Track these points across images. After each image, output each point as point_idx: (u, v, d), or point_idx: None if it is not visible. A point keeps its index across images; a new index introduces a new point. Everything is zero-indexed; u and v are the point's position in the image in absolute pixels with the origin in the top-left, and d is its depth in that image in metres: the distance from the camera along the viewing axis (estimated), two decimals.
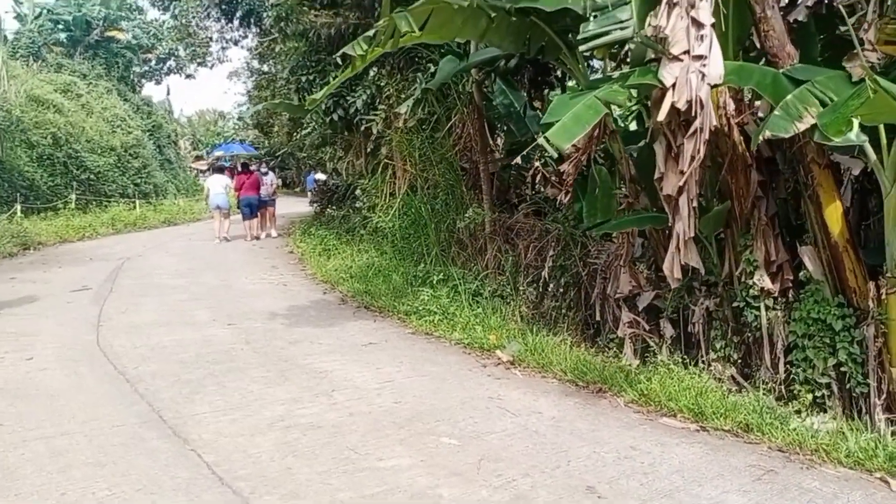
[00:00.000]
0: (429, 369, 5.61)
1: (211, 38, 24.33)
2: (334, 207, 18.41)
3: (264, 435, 4.16)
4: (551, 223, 7.97)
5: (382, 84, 10.30)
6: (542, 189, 9.86)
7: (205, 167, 68.90)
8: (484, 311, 6.94)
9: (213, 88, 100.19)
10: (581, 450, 3.96)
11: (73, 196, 21.40)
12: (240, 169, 18.07)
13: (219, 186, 16.02)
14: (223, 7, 16.37)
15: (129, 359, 5.76)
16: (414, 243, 9.37)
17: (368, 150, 12.73)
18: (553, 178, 10.06)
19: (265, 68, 49.30)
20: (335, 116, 12.80)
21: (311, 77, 13.10)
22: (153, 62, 45.77)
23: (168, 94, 58.45)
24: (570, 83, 9.08)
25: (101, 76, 32.89)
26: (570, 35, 6.98)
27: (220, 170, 19.45)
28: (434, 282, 7.64)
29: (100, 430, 4.18)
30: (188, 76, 51.89)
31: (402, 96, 9.85)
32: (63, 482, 3.52)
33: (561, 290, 7.28)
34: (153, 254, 13.50)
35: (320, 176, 28.23)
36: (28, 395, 4.82)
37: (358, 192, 12.29)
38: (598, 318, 6.71)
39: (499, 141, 10.13)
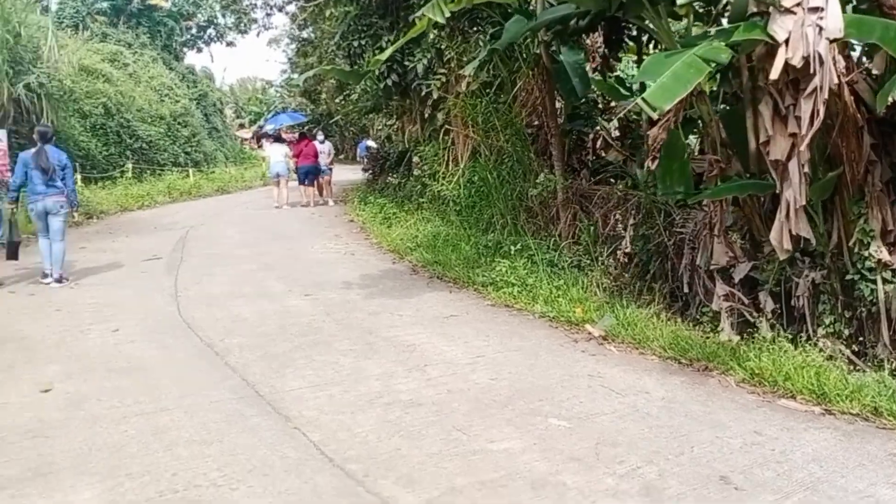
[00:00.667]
0: (518, 344, 5.43)
1: (255, 5, 24.09)
2: (389, 175, 18.26)
3: (365, 412, 4.04)
4: (630, 190, 7.68)
5: (443, 47, 9.99)
6: (604, 153, 9.57)
7: (248, 135, 69.48)
8: (565, 283, 6.71)
9: (254, 56, 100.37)
10: (702, 434, 3.74)
11: (130, 165, 21.63)
12: (297, 137, 18.19)
13: (279, 155, 16.53)
14: None
15: (214, 331, 5.70)
16: (481, 212, 9.14)
17: (426, 115, 12.47)
18: (615, 142, 9.76)
19: (305, 35, 49.21)
20: (389, 81, 12.59)
21: (362, 42, 12.87)
22: (193, 30, 45.93)
23: (212, 61, 58.48)
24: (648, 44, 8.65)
25: (146, 45, 33.04)
26: None
27: (279, 139, 19.49)
28: (511, 252, 7.41)
29: (198, 406, 4.10)
30: (229, 44, 51.90)
31: (465, 59, 9.55)
32: (171, 461, 3.44)
33: (644, 260, 7.00)
34: (215, 223, 13.55)
35: (371, 143, 28.10)
36: (121, 368, 4.79)
37: (415, 159, 12.06)
38: (686, 290, 6.43)
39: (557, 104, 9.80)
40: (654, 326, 5.53)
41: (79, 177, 18.34)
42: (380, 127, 34.46)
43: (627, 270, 7.12)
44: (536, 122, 9.12)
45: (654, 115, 5.07)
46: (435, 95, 9.46)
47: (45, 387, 4.36)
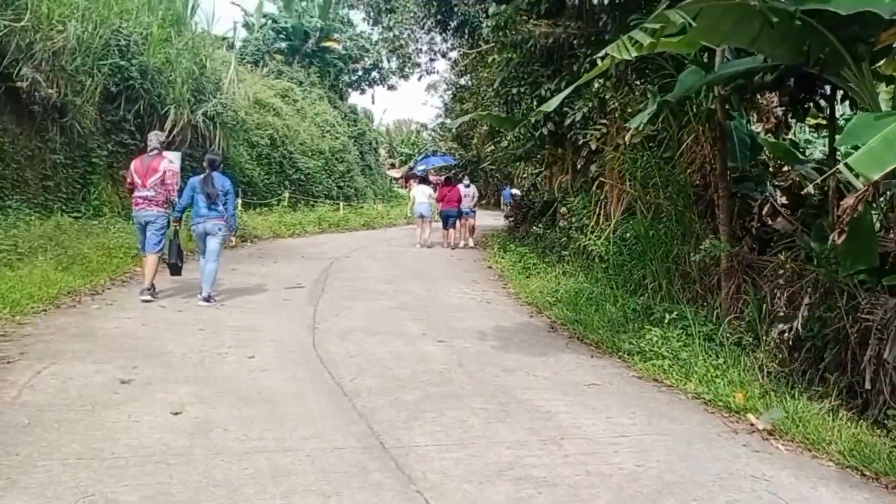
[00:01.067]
0: (668, 426, 4.83)
1: (420, 50, 24.94)
2: (532, 224, 17.96)
3: (494, 485, 3.65)
4: (806, 265, 6.86)
5: (607, 97, 9.61)
6: (770, 221, 8.70)
7: (398, 175, 72.05)
8: (724, 362, 6.01)
9: (412, 99, 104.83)
10: None
11: (287, 194, 22.79)
12: (443, 181, 18.92)
13: (423, 196, 17.37)
14: (438, 18, 16.47)
15: (346, 368, 5.55)
16: (630, 272, 8.57)
17: (578, 166, 12.07)
18: (785, 210, 8.86)
19: (463, 81, 50.38)
20: (545, 130, 12.36)
21: (522, 89, 12.72)
22: (359, 72, 48.50)
23: (373, 102, 61.54)
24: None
25: (315, 84, 35.14)
26: (858, 45, 5.93)
27: (425, 180, 19.95)
28: (664, 320, 6.79)
29: (321, 452, 3.89)
30: (390, 87, 54.35)
31: (629, 111, 9.11)
32: None
33: (819, 346, 6.17)
34: (358, 256, 13.80)
35: (515, 191, 28.06)
36: (250, 398, 4.71)
37: (563, 210, 11.66)
38: (868, 386, 5.55)
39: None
40: (830, 426, 4.75)
41: (240, 202, 19.54)
42: (524, 175, 34.50)
43: (796, 355, 6.31)
44: (699, 182, 8.49)
45: (859, 184, 4.42)
46: (593, 146, 9.07)
47: (176, 409, 4.34)
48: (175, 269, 8.40)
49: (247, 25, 35.66)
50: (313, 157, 28.00)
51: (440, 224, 17.27)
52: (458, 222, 17.38)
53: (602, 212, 9.75)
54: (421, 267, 12.49)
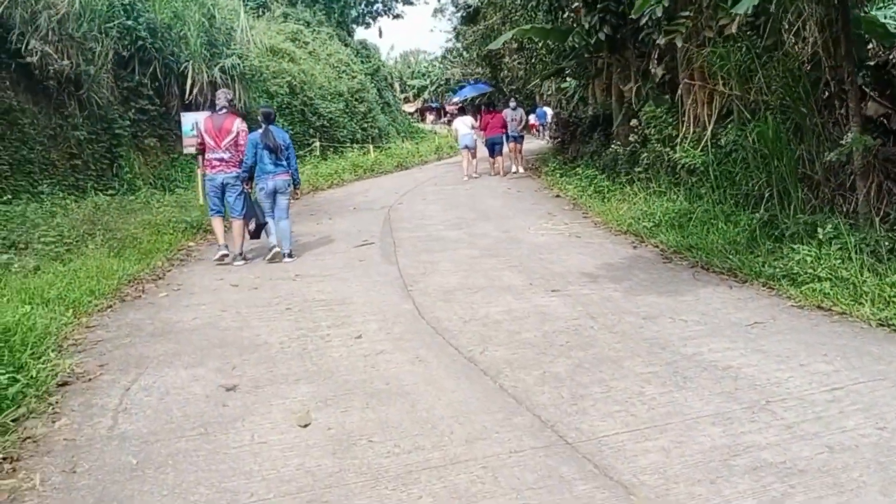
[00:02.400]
0: (874, 367, 4.01)
1: None
2: (580, 143, 16.89)
3: (729, 482, 2.87)
4: None
5: None
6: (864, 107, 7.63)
7: (412, 109, 70.30)
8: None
9: (416, 29, 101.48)
10: None
11: (318, 143, 21.85)
12: (484, 109, 17.81)
13: (466, 127, 16.56)
14: None
15: (467, 338, 4.79)
16: (740, 183, 7.62)
17: (652, 70, 10.92)
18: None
19: (471, 1, 48.10)
20: (602, 35, 11.19)
21: None
22: (362, 5, 46.56)
23: (380, 36, 59.03)
24: None
25: (322, 22, 33.59)
26: None
27: (464, 111, 19.00)
28: (811, 235, 5.89)
29: (498, 460, 3.14)
30: (396, 16, 52.40)
31: None
32: None
33: None
34: (411, 201, 12.96)
35: (548, 109, 26.80)
36: (379, 392, 3.97)
37: (633, 122, 10.61)
38: None
39: None
40: None
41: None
42: (549, 92, 32.90)
43: None
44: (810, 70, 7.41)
45: None
46: (679, 43, 7.93)
47: (303, 419, 3.61)
48: (258, 232, 8.07)
49: None
50: (333, 100, 26.81)
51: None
52: (504, 148, 16.85)
53: (689, 119, 8.71)
54: (483, 204, 11.62)
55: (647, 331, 4.79)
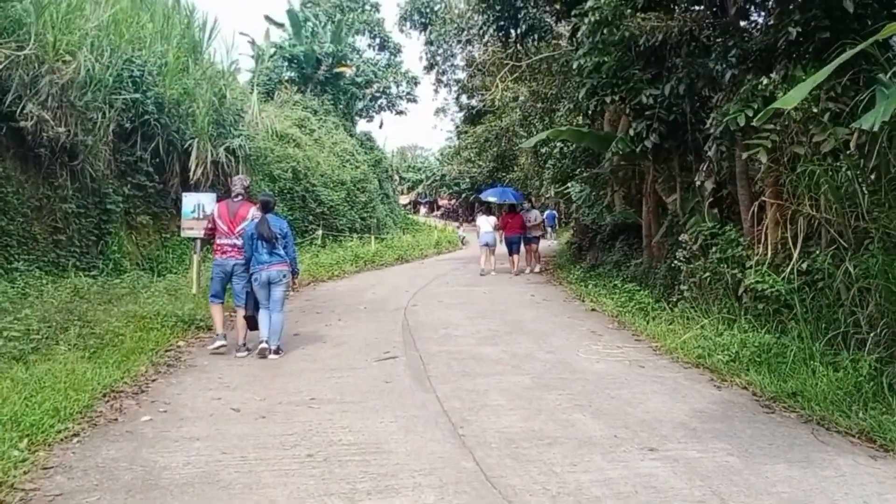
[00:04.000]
0: None
1: (456, 66, 23.05)
2: (600, 251, 15.99)
3: None
4: None
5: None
6: None
7: (406, 201, 70.46)
8: None
9: (413, 125, 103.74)
10: None
11: (320, 232, 20.85)
12: (507, 209, 18.41)
13: (488, 225, 17.03)
14: (501, 24, 14.48)
15: None
16: (841, 321, 6.52)
17: (699, 181, 10.04)
18: None
19: (473, 103, 48.80)
20: (648, 143, 10.37)
21: (616, 96, 10.76)
22: (367, 99, 47.10)
23: (380, 127, 59.65)
24: None
25: (329, 112, 33.52)
26: None
27: (490, 210, 18.81)
28: None
29: None
30: (399, 112, 53.10)
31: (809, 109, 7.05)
32: None
33: None
34: (426, 303, 11.75)
35: (546, 213, 26.45)
36: None
37: (684, 237, 9.61)
38: None
39: None
40: None
41: None
42: (548, 195, 32.46)
43: None
44: None
45: None
46: (764, 159, 7.01)
47: None
48: (254, 323, 7.78)
49: (255, 56, 33.93)
50: (335, 188, 26.12)
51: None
52: (521, 248, 17.44)
53: (766, 240, 7.69)
54: (511, 314, 10.41)
55: None
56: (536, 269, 17.51)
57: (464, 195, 65.40)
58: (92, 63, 12.53)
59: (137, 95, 14.10)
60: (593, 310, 10.71)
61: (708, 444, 4.73)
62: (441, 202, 79.93)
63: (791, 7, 7.10)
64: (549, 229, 27.70)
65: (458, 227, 38.50)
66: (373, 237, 24.98)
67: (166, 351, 7.65)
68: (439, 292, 13.31)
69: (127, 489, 3.87)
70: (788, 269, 7.06)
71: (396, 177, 57.64)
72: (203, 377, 6.62)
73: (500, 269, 17.41)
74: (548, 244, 25.51)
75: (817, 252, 7.06)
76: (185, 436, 4.83)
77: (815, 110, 6.71)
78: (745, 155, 7.16)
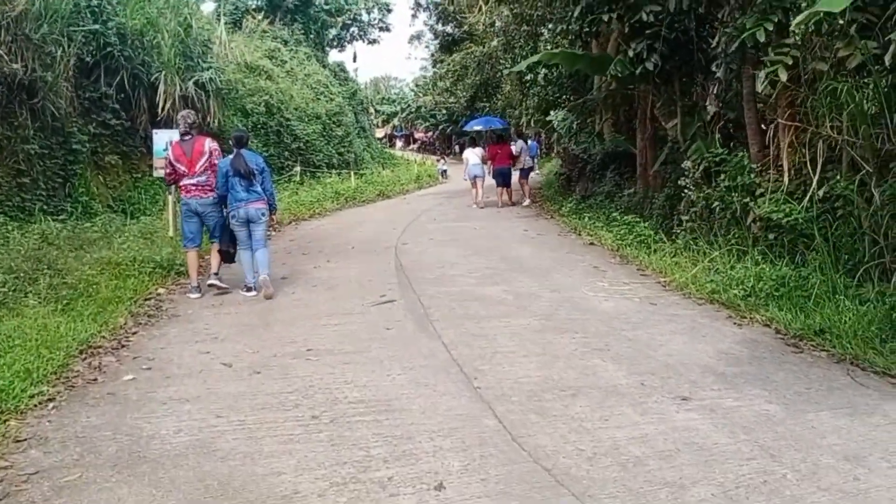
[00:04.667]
0: None
1: None
2: (592, 180, 15.54)
3: None
4: None
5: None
6: None
7: (380, 135, 69.07)
8: None
9: (387, 56, 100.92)
10: None
11: (298, 168, 20.09)
12: (494, 140, 18.21)
13: (476, 158, 16.59)
14: None
15: (607, 491, 3.13)
16: (840, 247, 6.22)
17: (708, 105, 9.53)
18: None
19: (449, 29, 47.24)
20: (649, 65, 9.79)
21: (614, 14, 10.12)
22: (339, 27, 45.39)
23: (354, 60, 57.58)
24: None
25: (301, 42, 32.15)
26: None
27: (475, 142, 18.25)
28: None
29: None
30: (371, 41, 51.32)
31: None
32: None
33: None
34: (417, 239, 11.29)
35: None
36: None
37: (687, 164, 9.17)
38: None
39: None
40: None
41: None
42: (529, 125, 31.68)
43: None
44: None
45: None
46: (784, 77, 6.50)
47: None
48: (230, 257, 7.65)
49: None
50: (310, 122, 25.13)
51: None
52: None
53: (785, 167, 7.26)
54: (508, 250, 9.99)
55: (875, 489, 3.19)
56: (526, 203, 17.09)
57: (441, 127, 64.23)
58: None
59: (97, 27, 13.10)
60: (591, 243, 10.33)
61: (742, 391, 4.40)
62: (417, 135, 78.62)
63: None
64: (532, 160, 27.12)
65: (439, 161, 37.60)
66: (352, 173, 24.22)
67: (146, 300, 7.14)
68: (429, 229, 12.83)
69: (112, 464, 3.44)
70: (808, 197, 6.65)
71: (372, 109, 56.27)
72: (188, 328, 6.15)
73: (488, 203, 16.92)
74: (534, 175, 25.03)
75: (837, 177, 6.66)
76: (173, 397, 4.38)
77: (840, 22, 6.18)
78: (762, 73, 6.59)
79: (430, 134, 72.86)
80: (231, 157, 7.33)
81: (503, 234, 11.79)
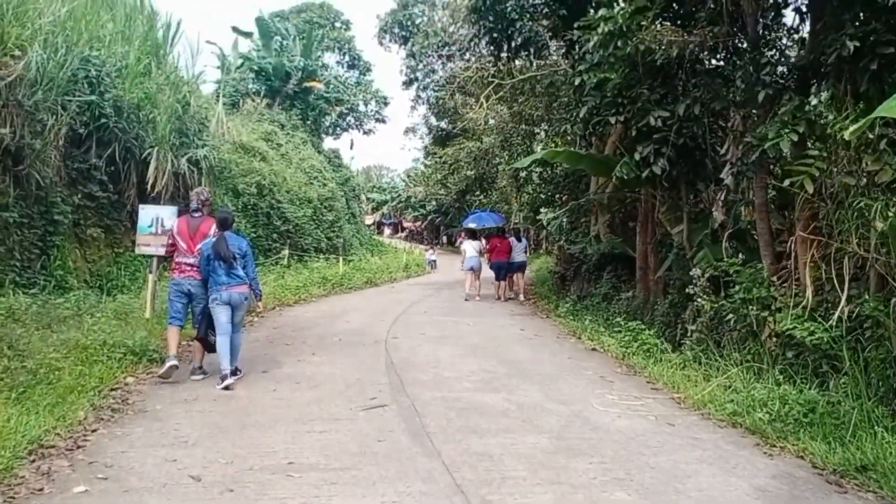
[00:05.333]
0: None
1: (436, 82, 22.19)
2: (588, 281, 15.19)
3: None
4: None
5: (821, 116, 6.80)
6: None
7: (369, 222, 69.44)
8: None
9: (381, 145, 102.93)
10: None
11: (286, 251, 19.65)
12: (495, 233, 18.35)
13: (473, 250, 16.73)
14: (494, 36, 13.59)
15: None
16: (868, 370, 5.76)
17: (714, 212, 9.30)
18: None
19: (443, 125, 48.19)
20: (657, 169, 9.58)
21: (622, 116, 9.99)
22: (336, 115, 46.21)
23: (351, 147, 58.53)
24: None
25: (297, 127, 32.46)
26: None
27: (474, 235, 18.20)
28: None
29: None
30: (366, 132, 52.24)
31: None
32: None
33: None
34: (406, 334, 10.72)
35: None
36: None
37: (696, 272, 8.80)
38: None
39: None
40: None
41: None
42: (516, 220, 31.72)
43: None
44: None
45: None
46: (810, 189, 6.23)
47: None
48: (210, 347, 7.25)
49: (222, 66, 32.61)
50: (301, 205, 24.91)
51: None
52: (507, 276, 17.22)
53: (804, 280, 6.89)
54: (503, 351, 9.43)
55: None
56: (521, 298, 17.04)
57: (430, 217, 64.67)
58: (44, 60, 11.28)
59: (94, 97, 12.85)
60: (594, 349, 9.79)
61: None
62: (406, 224, 79.12)
63: (843, 19, 6.35)
64: (524, 254, 27.07)
65: (427, 250, 37.39)
66: (341, 258, 23.81)
67: (111, 390, 6.47)
68: (419, 322, 12.27)
69: None
70: (836, 315, 6.24)
71: (363, 197, 56.65)
72: (155, 427, 5.48)
73: (484, 296, 16.93)
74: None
75: (865, 296, 6.28)
76: None
77: (870, 136, 5.95)
78: (786, 183, 6.32)
79: (418, 223, 73.39)
80: (213, 239, 7.08)
81: (498, 332, 11.25)
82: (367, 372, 7.82)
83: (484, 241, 18.11)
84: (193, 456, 4.79)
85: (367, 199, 75.22)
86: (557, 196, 19.77)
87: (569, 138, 15.67)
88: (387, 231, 78.28)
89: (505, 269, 16.79)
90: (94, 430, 5.25)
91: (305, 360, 8.39)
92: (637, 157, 9.76)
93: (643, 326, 9.64)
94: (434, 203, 63.12)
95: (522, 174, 18.84)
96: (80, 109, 12.67)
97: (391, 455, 4.98)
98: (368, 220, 68.83)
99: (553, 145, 16.70)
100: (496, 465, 4.84)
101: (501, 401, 6.66)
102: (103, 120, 13.16)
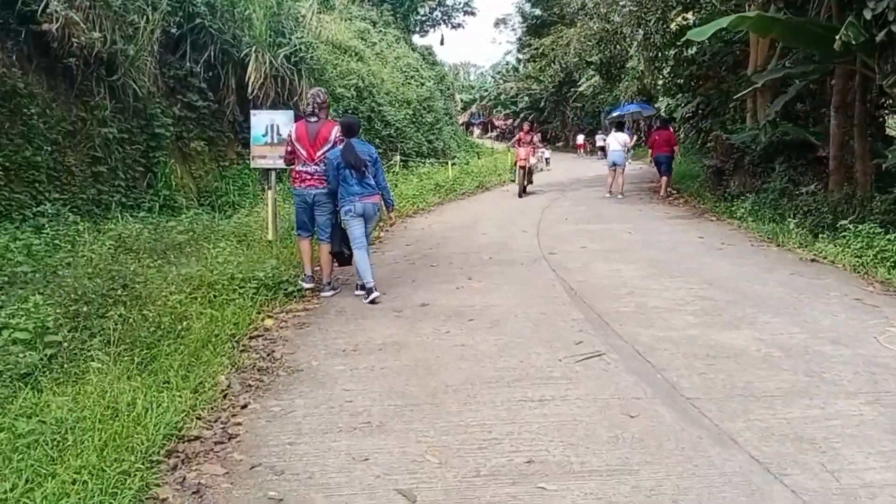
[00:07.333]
0: None
1: None
2: (755, 176, 12.97)
3: None
4: None
5: None
6: None
7: (459, 122, 67.32)
8: None
9: (466, 42, 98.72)
10: None
11: (398, 157, 18.17)
12: (658, 125, 16.79)
13: (617, 143, 15.74)
14: None
15: None
16: None
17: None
18: None
19: (537, 12, 44.55)
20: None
21: None
22: (428, 9, 43.83)
23: (442, 43, 55.74)
24: None
25: (389, 23, 30.39)
26: None
27: (621, 126, 16.68)
28: None
29: None
30: (455, 26, 49.38)
31: None
32: None
33: None
34: (563, 248, 9.07)
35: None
36: None
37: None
38: None
39: None
40: None
41: None
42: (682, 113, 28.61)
43: None
44: None
45: None
46: None
47: None
48: (345, 259, 6.86)
49: None
50: (401, 108, 23.19)
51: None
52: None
53: None
54: (696, 266, 7.64)
55: None
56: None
57: (522, 114, 61.57)
58: None
59: None
60: (813, 260, 7.86)
61: None
62: (497, 122, 76.51)
63: None
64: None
65: (539, 148, 35.19)
66: (449, 162, 22.18)
67: (251, 339, 5.20)
68: (568, 232, 10.57)
69: None
70: None
71: (457, 96, 54.43)
72: (321, 398, 4.12)
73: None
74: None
75: None
76: None
77: None
78: None
79: (509, 121, 70.71)
80: (341, 147, 6.54)
81: (668, 240, 9.43)
82: (548, 302, 6.25)
83: (628, 135, 16.27)
84: (388, 450, 3.39)
85: (454, 99, 72.79)
86: (693, 82, 17.31)
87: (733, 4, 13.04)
88: (476, 131, 76.01)
89: (667, 163, 15.71)
90: (243, 406, 3.95)
91: (464, 287, 6.91)
92: (867, 15, 7.44)
93: (879, 229, 7.59)
94: (527, 99, 59.99)
95: (658, 54, 16.38)
96: (171, 9, 11.31)
97: (663, 443, 3.42)
98: (459, 119, 66.75)
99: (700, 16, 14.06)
100: (830, 458, 3.20)
101: (752, 341, 4.97)
102: (197, 20, 11.78)
